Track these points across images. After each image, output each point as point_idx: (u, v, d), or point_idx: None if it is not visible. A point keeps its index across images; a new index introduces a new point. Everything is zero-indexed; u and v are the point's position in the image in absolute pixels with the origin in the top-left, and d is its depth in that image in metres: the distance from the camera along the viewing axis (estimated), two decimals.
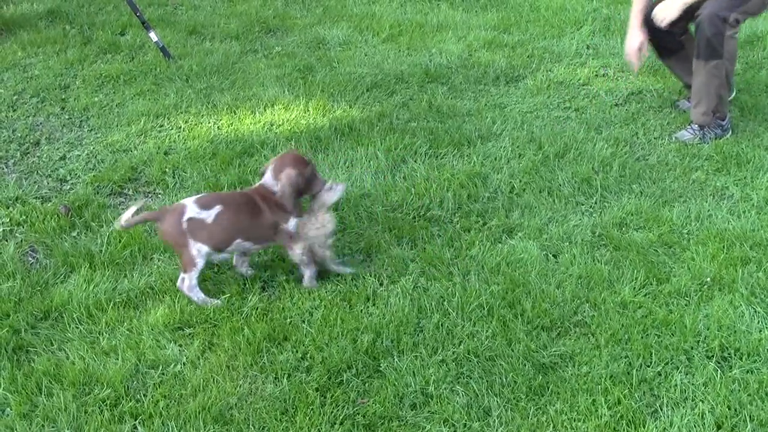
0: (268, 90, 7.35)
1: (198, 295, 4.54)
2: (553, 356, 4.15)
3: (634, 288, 4.62)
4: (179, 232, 4.43)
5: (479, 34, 8.72)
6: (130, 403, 3.88)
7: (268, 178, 4.61)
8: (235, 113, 6.95)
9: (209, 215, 4.45)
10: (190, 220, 4.42)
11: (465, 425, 3.75)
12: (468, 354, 4.17)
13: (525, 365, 4.09)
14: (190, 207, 4.46)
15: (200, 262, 4.49)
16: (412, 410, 3.85)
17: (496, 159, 6.08)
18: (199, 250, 4.45)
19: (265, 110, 6.97)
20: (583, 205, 5.49)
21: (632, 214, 5.32)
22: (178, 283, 4.56)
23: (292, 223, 4.62)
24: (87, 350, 4.23)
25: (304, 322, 4.40)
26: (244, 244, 4.59)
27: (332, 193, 4.72)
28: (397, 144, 6.27)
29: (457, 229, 5.24)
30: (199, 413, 3.79)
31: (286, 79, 7.62)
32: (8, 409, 3.88)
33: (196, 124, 6.77)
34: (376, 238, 5.13)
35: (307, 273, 4.67)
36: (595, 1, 9.68)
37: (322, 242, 4.66)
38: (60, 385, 3.97)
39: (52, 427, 3.78)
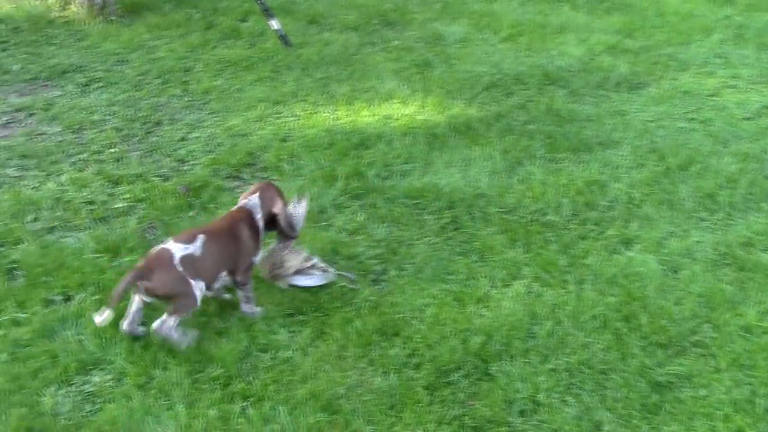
0: (386, 83, 7.36)
1: (179, 335, 4.13)
2: (670, 375, 4.02)
3: (760, 312, 4.44)
4: (177, 278, 4.05)
5: (602, 38, 8.57)
6: (240, 385, 3.90)
7: (249, 201, 4.46)
8: (352, 104, 6.97)
9: (195, 248, 4.15)
10: (182, 258, 4.08)
11: None
12: (580, 365, 4.07)
13: (639, 381, 3.98)
14: (176, 247, 4.12)
15: (200, 301, 4.17)
16: (520, 417, 3.78)
17: (615, 167, 5.96)
18: (201, 288, 4.14)
19: (381, 103, 6.97)
20: (706, 221, 5.33)
21: (760, 235, 5.13)
22: (155, 325, 4.09)
23: (257, 256, 4.45)
24: (201, 330, 4.28)
25: (415, 318, 4.37)
26: (224, 278, 4.34)
27: (300, 206, 4.65)
28: (515, 146, 6.20)
29: (573, 237, 5.14)
30: (308, 400, 3.80)
31: (404, 74, 7.61)
32: (126, 378, 3.95)
33: (313, 113, 6.81)
34: (490, 239, 5.07)
35: (250, 305, 4.42)
36: (728, 7, 9.40)
37: (305, 260, 4.59)
38: (175, 360, 4.02)
39: (166, 399, 3.84)
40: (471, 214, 5.34)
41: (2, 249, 5.00)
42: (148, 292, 4.04)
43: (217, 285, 4.30)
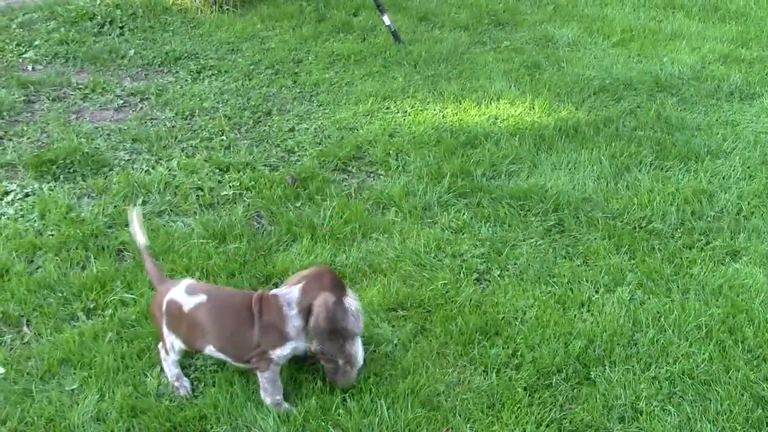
0: (495, 83, 7.35)
1: (171, 370, 3.93)
2: None
3: None
4: (158, 310, 3.87)
5: (715, 46, 8.39)
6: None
7: (288, 292, 3.72)
8: (460, 103, 6.99)
9: (188, 303, 3.78)
10: (169, 301, 3.81)
11: None
12: (682, 374, 4.03)
13: (743, 395, 3.91)
14: (178, 288, 3.83)
15: (172, 355, 3.90)
16: (620, 423, 3.77)
17: (724, 178, 5.84)
18: (172, 342, 3.86)
19: (490, 103, 6.97)
20: None
21: None
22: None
23: (285, 349, 3.73)
24: None
25: (516, 319, 4.38)
26: (217, 354, 3.82)
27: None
28: (622, 151, 6.13)
29: (679, 245, 5.07)
30: (407, 395, 3.84)
31: (513, 75, 7.59)
32: (227, 364, 4.04)
33: (421, 110, 6.85)
34: (595, 244, 5.03)
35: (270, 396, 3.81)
36: None
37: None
38: None
39: None
40: (576, 218, 5.31)
41: (112, 230, 5.17)
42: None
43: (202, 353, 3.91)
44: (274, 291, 3.75)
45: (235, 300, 3.79)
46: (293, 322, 3.65)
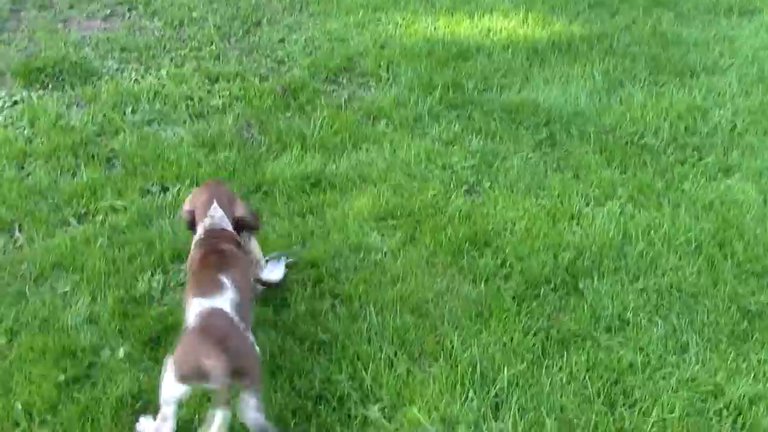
0: None
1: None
2: (762, 304, 3.96)
3: None
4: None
5: None
6: (331, 283, 3.98)
7: (216, 215, 3.52)
8: (452, 15, 6.89)
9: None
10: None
11: (660, 357, 3.65)
12: (670, 287, 4.04)
13: (730, 308, 3.94)
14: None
15: None
16: (606, 333, 3.79)
17: (719, 94, 5.80)
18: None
19: (483, 16, 6.88)
20: None
21: None
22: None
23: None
24: (294, 225, 4.36)
25: (506, 230, 4.38)
26: None
27: (275, 273, 3.87)
28: (616, 66, 6.09)
29: (671, 161, 5.06)
30: (396, 302, 3.86)
31: None
32: None
33: (412, 22, 6.76)
34: (586, 157, 5.02)
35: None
36: None
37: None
38: (267, 255, 4.10)
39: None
40: (568, 132, 5.28)
41: (102, 138, 5.13)
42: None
43: None
44: (206, 224, 3.51)
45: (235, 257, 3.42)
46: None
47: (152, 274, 4.03)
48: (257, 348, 3.06)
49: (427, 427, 3.23)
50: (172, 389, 2.89)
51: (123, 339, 3.63)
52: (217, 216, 3.50)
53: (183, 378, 2.84)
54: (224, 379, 2.78)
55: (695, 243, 4.33)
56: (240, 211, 3.58)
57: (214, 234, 3.45)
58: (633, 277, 4.11)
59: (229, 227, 3.51)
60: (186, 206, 3.63)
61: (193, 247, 3.50)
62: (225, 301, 3.06)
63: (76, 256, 4.11)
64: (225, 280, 3.15)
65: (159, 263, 4.10)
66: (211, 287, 3.12)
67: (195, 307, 3.04)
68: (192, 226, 3.59)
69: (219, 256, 3.32)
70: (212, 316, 2.99)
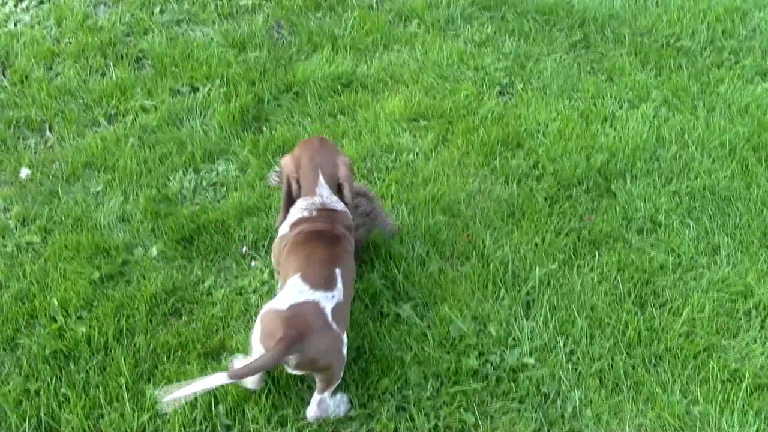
0: None
1: (337, 408, 3.00)
2: None
3: None
4: (336, 341, 2.85)
5: None
6: (362, 182, 3.97)
7: (324, 194, 3.15)
8: None
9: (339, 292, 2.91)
10: (333, 311, 2.85)
11: (691, 258, 3.65)
12: (703, 190, 4.02)
13: (762, 211, 3.92)
14: (321, 295, 2.85)
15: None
16: (638, 234, 3.78)
17: None
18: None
19: None
20: None
21: None
22: (311, 414, 2.96)
23: None
24: (325, 125, 4.34)
25: (539, 132, 4.35)
26: None
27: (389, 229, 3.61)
28: None
29: (707, 64, 4.97)
30: (428, 202, 3.86)
31: None
32: (249, 169, 4.06)
33: None
34: (621, 60, 4.94)
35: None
36: None
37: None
38: None
39: None
40: (603, 34, 5.19)
41: (130, 38, 5.09)
42: (303, 366, 2.81)
43: None
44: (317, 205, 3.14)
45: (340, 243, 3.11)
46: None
47: (184, 174, 4.04)
48: (345, 349, 2.85)
49: (459, 324, 3.26)
50: (256, 346, 2.84)
51: (156, 238, 3.66)
52: (325, 195, 3.13)
53: (263, 347, 2.77)
54: (296, 370, 2.77)
55: (729, 146, 4.28)
56: (350, 188, 3.15)
57: (327, 213, 3.11)
58: (666, 179, 4.09)
59: (339, 204, 3.15)
60: (286, 169, 3.17)
61: (296, 217, 3.12)
62: (330, 300, 2.82)
63: (107, 155, 4.12)
64: (338, 276, 2.89)
65: (190, 163, 4.11)
66: (320, 279, 2.85)
67: (296, 289, 2.82)
68: (289, 196, 3.18)
69: (335, 243, 3.03)
70: (307, 311, 2.77)
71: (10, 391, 2.97)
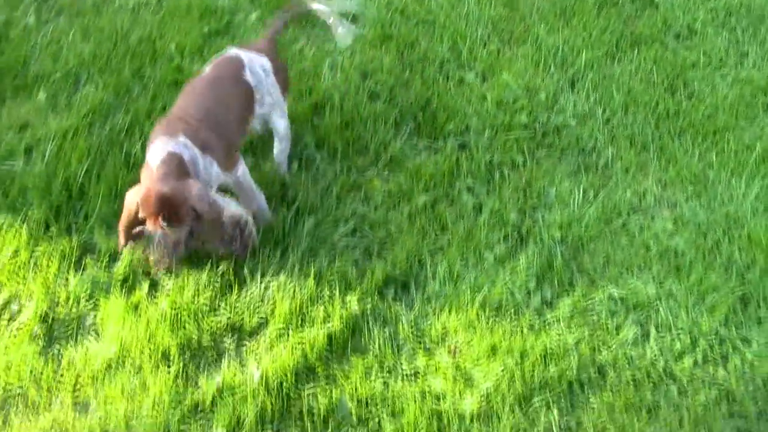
0: None
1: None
2: None
3: None
4: None
5: None
6: None
7: None
8: None
9: None
10: None
11: (721, 59, 4.14)
12: (740, 7, 4.46)
13: None
14: None
15: None
16: (675, 39, 4.27)
17: None
18: None
19: None
20: None
21: None
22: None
23: None
24: None
25: None
26: None
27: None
28: None
29: None
30: None
31: None
32: None
33: None
34: None
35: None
36: None
37: None
38: None
39: None
40: None
41: None
42: None
43: None
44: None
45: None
46: None
47: None
48: None
49: (514, 89, 3.81)
50: None
51: (254, 7, 4.20)
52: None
53: None
54: None
55: None
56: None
57: None
58: None
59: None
60: None
61: None
62: None
63: None
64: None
65: None
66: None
67: None
68: None
69: None
70: None
71: (139, 108, 3.58)
